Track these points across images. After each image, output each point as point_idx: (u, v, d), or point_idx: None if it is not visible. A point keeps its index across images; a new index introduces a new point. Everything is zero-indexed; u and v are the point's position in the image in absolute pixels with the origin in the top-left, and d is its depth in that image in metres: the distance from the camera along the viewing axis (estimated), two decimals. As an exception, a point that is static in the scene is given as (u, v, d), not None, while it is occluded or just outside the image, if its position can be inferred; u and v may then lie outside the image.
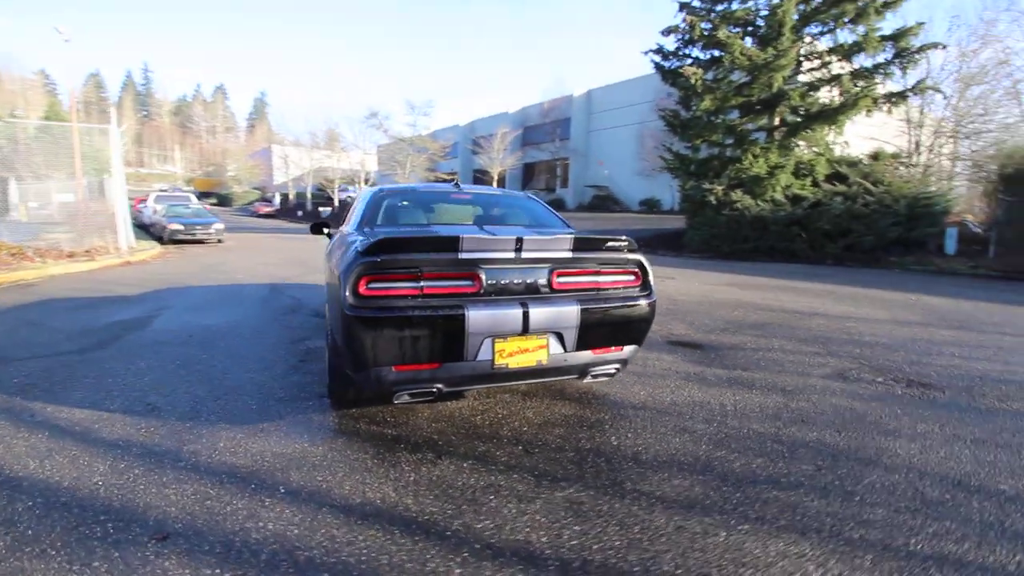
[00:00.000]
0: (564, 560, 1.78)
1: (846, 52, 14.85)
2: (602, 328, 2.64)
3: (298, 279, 8.30)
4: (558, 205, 33.76)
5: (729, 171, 15.61)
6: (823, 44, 15.67)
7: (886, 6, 13.93)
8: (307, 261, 10.89)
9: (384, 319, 2.27)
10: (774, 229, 14.36)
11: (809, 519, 2.03)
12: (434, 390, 2.48)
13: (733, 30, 15.57)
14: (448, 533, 1.91)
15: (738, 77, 15.89)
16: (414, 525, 1.96)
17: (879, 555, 1.82)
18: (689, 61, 17.28)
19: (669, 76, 17.58)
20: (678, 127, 17.36)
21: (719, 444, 2.68)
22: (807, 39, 15.48)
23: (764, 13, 15.52)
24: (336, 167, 32.83)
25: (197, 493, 2.14)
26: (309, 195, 36.74)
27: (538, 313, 2.47)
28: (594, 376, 2.81)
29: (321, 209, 34.19)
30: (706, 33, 15.53)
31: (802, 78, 15.50)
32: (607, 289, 2.73)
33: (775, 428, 2.89)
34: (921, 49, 13.78)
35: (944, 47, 14.41)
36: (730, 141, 16.33)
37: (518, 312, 2.44)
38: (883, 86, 14.25)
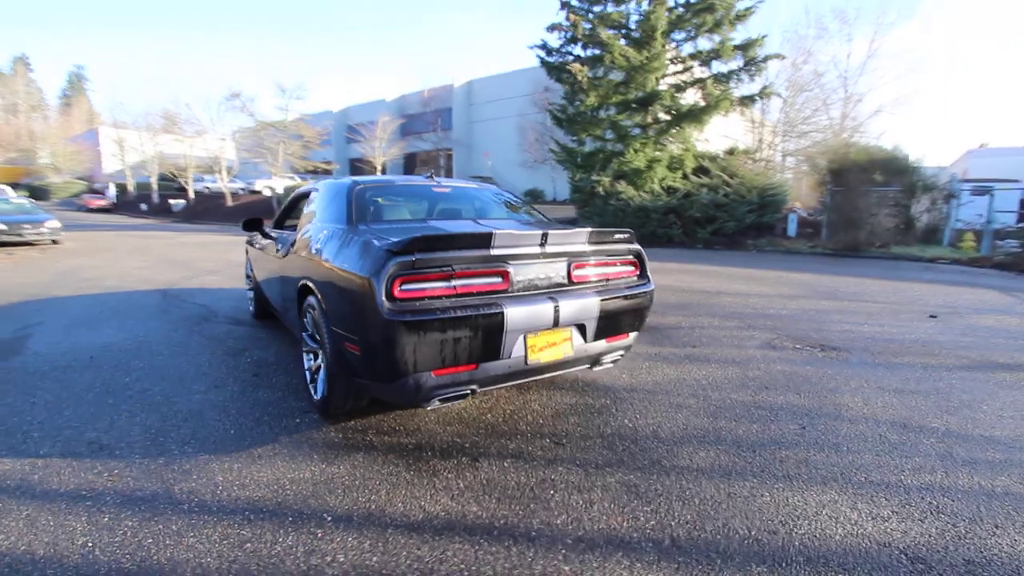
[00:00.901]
0: (655, 540, 1.87)
1: (705, 58, 16.67)
2: (615, 317, 2.75)
3: (189, 283, 7.30)
4: (443, 196, 33.49)
5: (614, 164, 16.74)
6: (687, 50, 17.44)
7: (738, 18, 15.88)
8: (187, 262, 9.59)
9: (427, 322, 2.15)
10: (654, 217, 15.76)
11: (821, 471, 2.36)
12: (468, 392, 2.41)
13: (610, 31, 16.62)
14: (533, 533, 1.90)
15: (616, 76, 17.04)
16: (495, 530, 1.91)
17: (886, 492, 2.19)
18: (571, 58, 18.15)
19: (554, 71, 18.28)
20: (564, 121, 18.16)
21: (715, 415, 2.97)
22: (673, 45, 17.10)
23: (636, 17, 16.80)
24: (189, 154, 28.95)
25: (228, 537, 1.86)
26: (155, 185, 32.01)
27: (567, 306, 2.51)
28: (602, 364, 2.93)
29: (172, 202, 30.05)
30: (588, 32, 16.40)
31: (672, 80, 17.08)
32: (615, 280, 2.85)
33: (749, 396, 3.26)
34: (765, 59, 15.95)
35: (782, 58, 16.84)
36: (613, 136, 17.52)
37: (550, 307, 2.45)
38: (738, 90, 16.25)
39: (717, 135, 19.27)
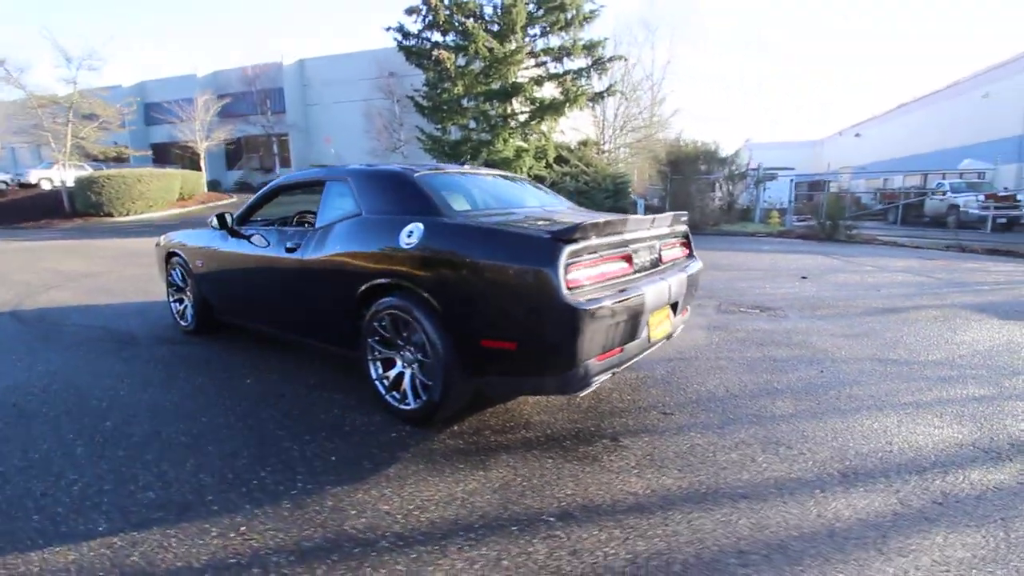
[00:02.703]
0: (825, 475, 2.19)
1: (557, 55, 17.83)
2: (689, 293, 3.01)
3: (35, 302, 5.66)
4: (281, 187, 30.43)
5: (483, 153, 17.04)
6: (540, 45, 18.41)
7: (586, 19, 17.24)
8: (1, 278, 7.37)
9: (600, 309, 2.14)
10: (527, 204, 16.51)
11: (867, 401, 2.94)
12: (610, 375, 2.45)
13: (473, 22, 16.76)
14: (736, 494, 2.07)
15: (476, 66, 17.28)
16: (705, 495, 2.04)
17: (922, 409, 2.83)
18: (429, 44, 17.88)
19: (413, 56, 17.86)
20: (428, 110, 17.88)
21: (751, 370, 3.43)
22: (528, 40, 17.91)
23: (490, 9, 17.17)
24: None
25: (474, 560, 1.68)
26: None
27: (673, 284, 2.69)
28: (671, 339, 3.16)
29: None
30: (449, 20, 16.31)
31: (531, 72, 17.91)
32: (680, 259, 3.10)
33: (758, 352, 3.82)
34: (611, 59, 17.65)
35: (625, 59, 18.79)
36: (475, 125, 17.78)
37: (665, 285, 2.61)
38: (592, 86, 17.71)
39: (567, 128, 20.78)
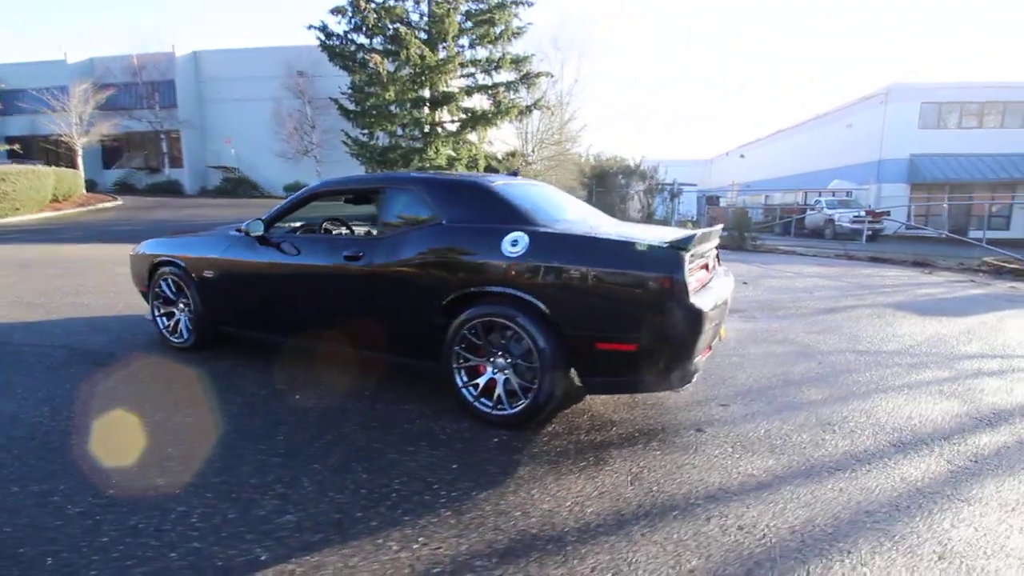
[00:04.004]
0: (875, 451, 2.60)
1: (486, 67, 18.18)
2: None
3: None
4: (173, 189, 27.67)
5: (415, 161, 16.84)
6: (468, 55, 18.63)
7: (515, 35, 17.78)
8: None
9: (712, 310, 2.39)
10: (461, 213, 16.57)
11: (871, 385, 3.47)
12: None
13: (396, 25, 16.57)
14: (829, 468, 2.40)
15: (407, 72, 17.11)
16: (811, 476, 2.34)
17: (918, 390, 3.41)
18: (354, 46, 17.40)
19: (338, 58, 17.29)
20: (354, 114, 17.35)
21: (764, 363, 3.87)
22: (457, 51, 18.07)
23: (416, 16, 17.12)
24: None
25: (686, 546, 1.82)
26: None
27: (728, 287, 3.01)
28: None
29: None
30: (384, 26, 16.01)
31: (461, 82, 18.05)
32: (719, 267, 3.45)
33: (758, 348, 4.30)
34: (538, 75, 18.32)
35: (551, 75, 19.55)
36: (403, 132, 17.55)
37: (726, 289, 2.92)
38: (522, 100, 18.23)
39: (494, 139, 21.17)
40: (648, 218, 17.99)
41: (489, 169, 18.36)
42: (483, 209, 2.85)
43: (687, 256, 2.34)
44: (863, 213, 16.20)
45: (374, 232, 3.93)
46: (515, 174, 3.81)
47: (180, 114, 28.05)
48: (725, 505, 2.07)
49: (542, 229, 2.65)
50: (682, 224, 17.57)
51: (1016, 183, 17.40)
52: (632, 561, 1.73)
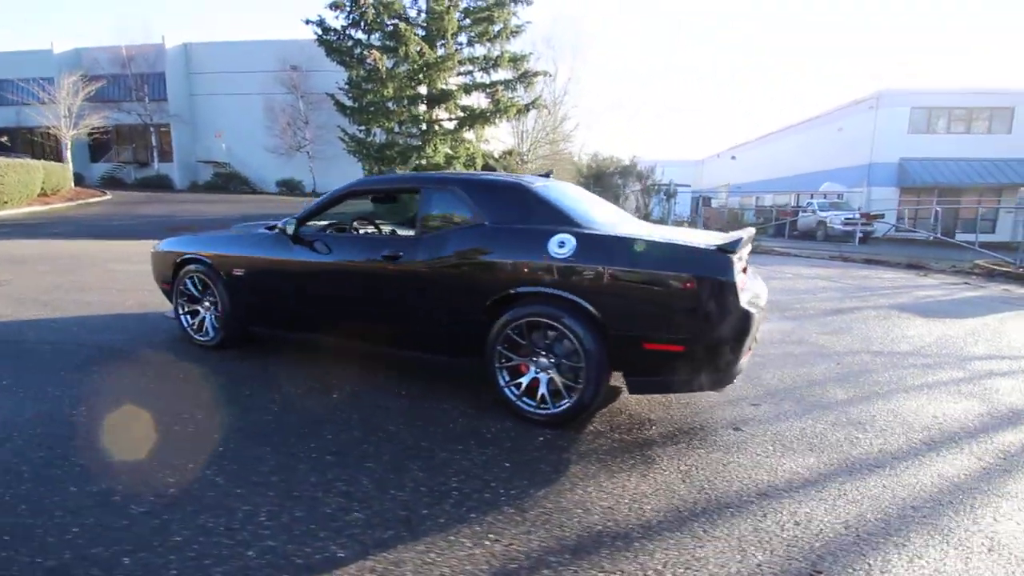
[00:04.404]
0: (903, 450, 2.69)
1: (484, 65, 18.17)
2: (756, 298, 3.44)
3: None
4: (163, 183, 27.27)
5: (413, 158, 16.80)
6: (466, 53, 18.59)
7: (513, 33, 17.79)
8: None
9: (758, 312, 2.46)
10: (459, 211, 16.57)
11: (890, 385, 3.57)
12: (739, 372, 2.76)
13: (396, 21, 16.49)
14: (869, 465, 2.48)
15: (405, 69, 17.04)
16: (852, 473, 2.42)
17: (928, 391, 3.52)
18: (351, 41, 17.30)
19: (336, 53, 17.18)
20: (352, 110, 17.25)
21: (785, 363, 3.96)
22: (456, 49, 18.03)
23: (414, 12, 17.06)
24: None
25: (751, 541, 1.88)
26: None
27: (763, 289, 3.08)
28: None
29: None
30: (383, 22, 15.93)
31: (459, 80, 18.02)
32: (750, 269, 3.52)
33: (777, 349, 4.38)
34: (536, 74, 18.34)
35: (549, 74, 19.58)
36: (400, 129, 17.49)
37: (762, 291, 2.99)
38: (521, 98, 18.25)
39: (490, 138, 21.17)
40: (645, 219, 18.15)
41: (487, 168, 18.37)
42: (524, 210, 2.89)
43: (736, 259, 2.40)
44: (857, 215, 16.49)
45: (399, 231, 3.96)
46: (547, 175, 3.84)
47: (170, 107, 27.68)
48: (777, 501, 2.13)
49: (587, 231, 2.69)
50: (678, 224, 17.74)
51: (1003, 187, 17.87)
52: (700, 557, 1.79)
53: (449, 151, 17.36)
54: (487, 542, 1.83)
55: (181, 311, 4.01)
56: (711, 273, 2.38)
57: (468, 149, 17.95)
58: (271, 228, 3.65)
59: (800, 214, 20.13)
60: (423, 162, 16.77)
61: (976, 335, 5.11)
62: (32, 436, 2.49)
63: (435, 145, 16.68)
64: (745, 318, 2.37)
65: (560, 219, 2.81)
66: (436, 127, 18.02)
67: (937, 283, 8.98)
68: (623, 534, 1.90)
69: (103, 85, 24.02)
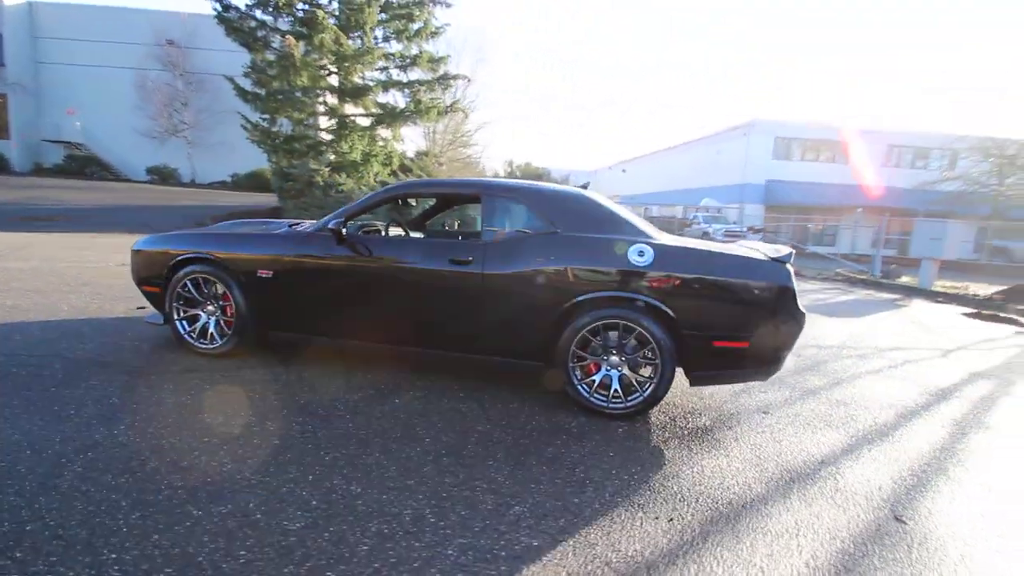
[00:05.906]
0: (888, 427, 3.37)
1: (401, 63, 17.83)
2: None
3: None
4: (-4, 164, 22.85)
5: (327, 153, 15.97)
6: (385, 48, 18.07)
7: (432, 34, 17.65)
8: None
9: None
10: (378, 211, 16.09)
11: (857, 369, 4.35)
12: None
13: (311, 7, 15.60)
14: (885, 433, 3.08)
15: (314, 58, 16.15)
16: (876, 442, 2.99)
17: (877, 376, 4.35)
18: (255, 23, 16.07)
19: (239, 34, 15.84)
20: (252, 96, 15.92)
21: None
22: (373, 43, 17.45)
23: (335, 6, 16.30)
24: None
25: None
26: None
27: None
28: None
29: None
30: (295, 7, 14.96)
31: (378, 76, 17.45)
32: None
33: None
34: (455, 77, 18.37)
35: (468, 79, 19.68)
36: (312, 121, 16.56)
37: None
38: (443, 100, 18.12)
39: (403, 137, 20.75)
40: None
41: (403, 168, 18.02)
42: (590, 220, 3.12)
43: (792, 268, 2.86)
44: (745, 229, 18.85)
45: (412, 234, 3.97)
46: (585, 187, 4.07)
47: (8, 74, 23.27)
48: (835, 467, 2.60)
49: (661, 242, 3.00)
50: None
51: (843, 208, 21.60)
52: (816, 514, 2.16)
53: (365, 148, 16.73)
54: (654, 519, 2.04)
55: (176, 316, 3.61)
56: (776, 280, 2.82)
57: (385, 148, 17.44)
58: (293, 226, 3.46)
59: (691, 226, 22.46)
60: (334, 157, 16.00)
61: (875, 330, 6.30)
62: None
63: (352, 141, 15.97)
64: (801, 318, 2.84)
65: (620, 228, 3.09)
66: (349, 122, 17.26)
67: (817, 288, 10.70)
68: (747, 503, 2.22)
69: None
